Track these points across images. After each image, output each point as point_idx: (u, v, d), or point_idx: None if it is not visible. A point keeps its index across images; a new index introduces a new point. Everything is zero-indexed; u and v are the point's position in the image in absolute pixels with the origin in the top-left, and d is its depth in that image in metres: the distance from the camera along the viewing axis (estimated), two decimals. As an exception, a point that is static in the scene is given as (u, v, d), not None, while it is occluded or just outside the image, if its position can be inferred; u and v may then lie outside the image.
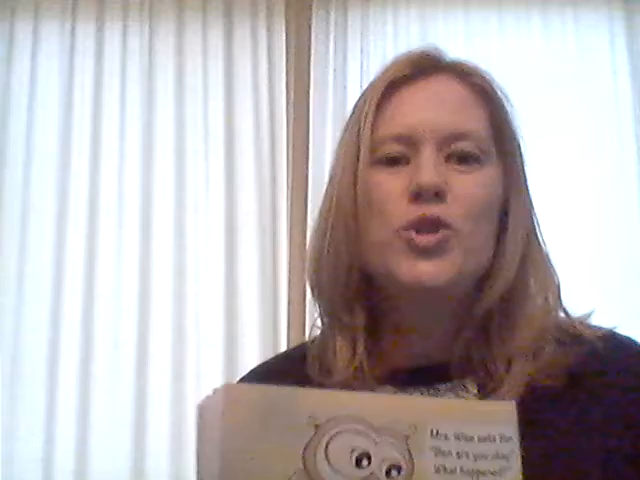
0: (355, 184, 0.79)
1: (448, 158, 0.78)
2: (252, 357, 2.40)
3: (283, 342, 2.43)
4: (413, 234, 0.76)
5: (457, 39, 2.58)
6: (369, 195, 0.78)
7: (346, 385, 0.79)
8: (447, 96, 0.81)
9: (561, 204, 2.47)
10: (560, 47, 2.60)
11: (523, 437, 0.73)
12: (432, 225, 0.76)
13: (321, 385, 0.80)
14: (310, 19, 2.64)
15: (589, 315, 0.83)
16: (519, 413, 0.73)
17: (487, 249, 0.79)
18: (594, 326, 0.82)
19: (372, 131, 0.79)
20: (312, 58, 2.61)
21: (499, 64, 2.50)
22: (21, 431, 2.39)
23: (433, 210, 0.76)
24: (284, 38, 2.63)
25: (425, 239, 0.76)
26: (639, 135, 2.55)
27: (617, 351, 0.79)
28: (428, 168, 0.76)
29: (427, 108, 0.80)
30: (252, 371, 0.92)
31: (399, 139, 0.78)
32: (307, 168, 2.52)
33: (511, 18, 2.63)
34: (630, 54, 2.60)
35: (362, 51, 2.60)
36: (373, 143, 0.79)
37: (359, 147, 0.79)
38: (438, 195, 0.76)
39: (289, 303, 2.46)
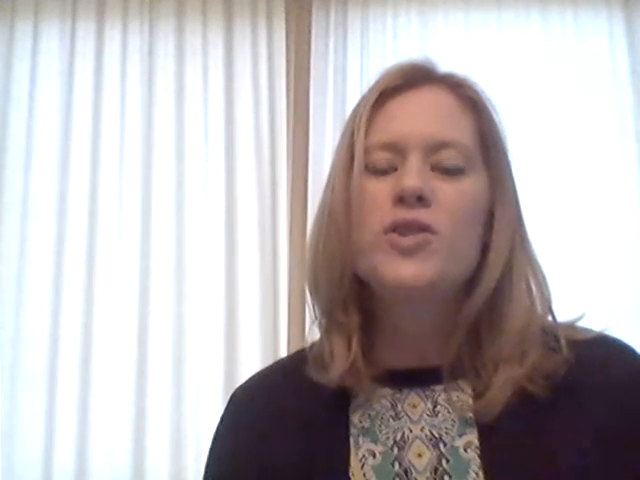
0: (347, 190, 0.82)
1: (433, 167, 0.80)
2: (252, 357, 2.41)
3: (283, 342, 2.43)
4: (395, 236, 0.78)
5: (457, 39, 2.58)
6: (359, 200, 0.81)
7: (342, 382, 0.81)
8: (435, 106, 0.83)
9: (560, 204, 2.47)
10: (560, 47, 2.60)
11: (511, 444, 0.75)
12: (413, 227, 0.78)
13: (318, 384, 0.82)
14: (310, 19, 2.64)
15: (579, 319, 0.84)
16: (509, 421, 0.76)
17: (471, 255, 0.81)
18: (584, 329, 0.83)
19: (364, 139, 0.82)
20: (312, 58, 2.61)
21: (499, 64, 2.52)
22: (21, 431, 2.39)
23: (415, 214, 0.78)
24: (284, 38, 2.63)
25: (407, 240, 0.78)
26: None
27: (606, 357, 0.80)
28: (412, 173, 0.79)
29: (415, 118, 0.82)
30: (250, 379, 0.93)
31: (387, 147, 0.81)
32: (307, 168, 2.52)
33: (511, 18, 2.63)
34: (630, 54, 2.60)
35: (362, 51, 2.59)
36: (365, 150, 0.82)
37: (352, 155, 0.83)
38: (421, 200, 0.78)
39: (289, 303, 2.46)
